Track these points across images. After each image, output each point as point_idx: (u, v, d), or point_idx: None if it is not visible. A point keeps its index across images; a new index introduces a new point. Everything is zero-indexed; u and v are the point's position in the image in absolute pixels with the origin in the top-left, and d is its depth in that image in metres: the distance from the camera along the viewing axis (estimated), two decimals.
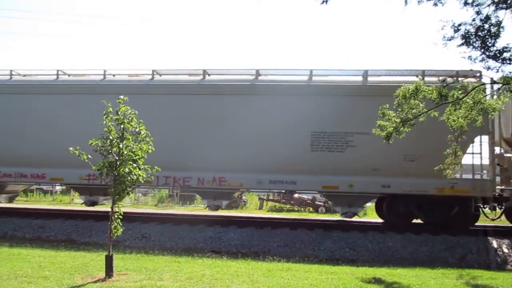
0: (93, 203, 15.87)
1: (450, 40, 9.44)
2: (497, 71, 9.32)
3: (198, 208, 25.77)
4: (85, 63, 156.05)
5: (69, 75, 16.33)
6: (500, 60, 9.09)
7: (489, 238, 13.32)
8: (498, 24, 9.15)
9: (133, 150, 8.10)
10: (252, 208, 27.37)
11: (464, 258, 11.92)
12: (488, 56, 9.12)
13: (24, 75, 16.61)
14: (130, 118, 8.18)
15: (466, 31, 9.19)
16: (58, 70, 15.87)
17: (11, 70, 16.22)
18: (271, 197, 28.12)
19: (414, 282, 8.38)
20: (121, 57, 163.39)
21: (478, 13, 9.24)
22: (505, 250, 12.41)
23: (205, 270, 8.80)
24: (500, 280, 8.81)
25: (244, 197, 28.60)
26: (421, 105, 10.04)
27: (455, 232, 13.72)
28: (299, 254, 11.90)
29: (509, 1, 9.12)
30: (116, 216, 8.24)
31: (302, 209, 26.37)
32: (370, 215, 23.83)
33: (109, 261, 8.09)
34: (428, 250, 12.40)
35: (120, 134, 8.12)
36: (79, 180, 15.00)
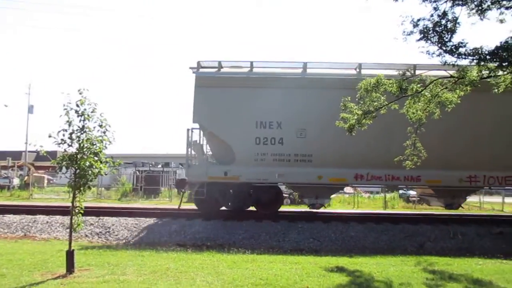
0: (451, 206, 15.41)
1: (409, 35, 9.65)
2: (453, 66, 9.66)
3: (163, 202, 25.50)
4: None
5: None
6: (456, 55, 9.40)
7: (446, 226, 13.90)
8: (455, 20, 9.45)
9: (94, 142, 7.90)
10: None
11: (423, 246, 12.39)
12: (445, 51, 9.40)
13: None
14: (91, 110, 7.98)
15: (424, 26, 9.43)
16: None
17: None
18: None
19: (375, 269, 8.64)
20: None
21: (435, 9, 9.51)
22: (461, 238, 12.98)
23: (170, 264, 8.74)
24: (455, 266, 9.21)
25: None
26: (382, 98, 10.29)
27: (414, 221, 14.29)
28: (264, 245, 12.02)
29: None
30: (77, 210, 8.05)
31: None
32: (334, 205, 24.34)
33: (70, 257, 7.90)
34: (388, 239, 12.81)
35: (81, 127, 7.91)
36: (459, 183, 14.56)
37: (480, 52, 9.20)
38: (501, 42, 9.20)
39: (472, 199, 29.50)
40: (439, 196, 15.61)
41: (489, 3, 9.46)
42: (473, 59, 9.34)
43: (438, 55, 9.49)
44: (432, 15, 9.47)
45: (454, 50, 9.25)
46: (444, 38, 9.34)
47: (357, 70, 14.79)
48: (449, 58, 9.41)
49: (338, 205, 24.43)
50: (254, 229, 13.22)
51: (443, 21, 9.40)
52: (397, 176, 14.53)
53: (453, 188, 14.83)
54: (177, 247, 11.52)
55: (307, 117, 14.34)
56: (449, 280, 7.84)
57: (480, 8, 9.43)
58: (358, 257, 10.43)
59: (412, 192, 28.39)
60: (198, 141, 15.61)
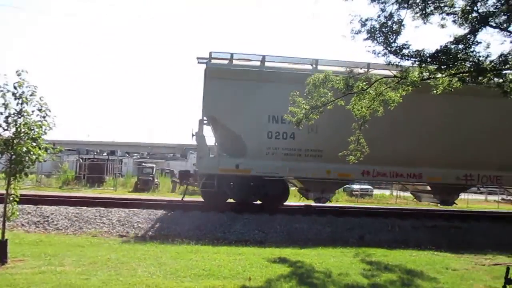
0: (446, 202, 16.47)
1: (357, 33, 9.92)
2: (397, 66, 10.06)
3: (108, 191, 24.80)
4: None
5: None
6: (400, 56, 9.80)
7: (385, 219, 14.54)
8: (400, 22, 9.83)
9: (32, 127, 7.52)
10: (165, 191, 26.96)
11: (363, 238, 12.88)
12: (390, 51, 9.76)
13: None
14: (29, 93, 7.57)
15: (371, 26, 9.73)
16: None
17: None
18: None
19: (316, 260, 8.90)
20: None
21: (383, 10, 9.83)
22: (398, 230, 13.63)
23: (111, 254, 8.53)
24: (391, 257, 9.67)
25: (156, 180, 28.06)
26: (329, 93, 10.54)
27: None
28: (209, 236, 12.01)
29: (410, 2, 9.86)
30: (11, 198, 7.65)
31: None
32: None
33: (2, 247, 7.51)
34: (331, 231, 13.20)
35: (18, 110, 7.49)
36: (456, 180, 15.40)
37: (421, 54, 9.63)
38: (441, 46, 9.68)
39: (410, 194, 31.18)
40: (435, 193, 16.49)
41: (432, 8, 9.91)
42: (415, 61, 9.77)
43: (383, 55, 9.84)
44: (379, 16, 9.78)
45: (398, 51, 9.63)
46: (390, 39, 9.69)
47: (365, 69, 15.00)
48: (393, 59, 9.78)
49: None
50: (200, 220, 13.18)
51: (389, 23, 9.75)
52: (400, 173, 15.32)
53: (450, 185, 15.77)
54: (119, 237, 11.27)
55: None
56: (384, 271, 8.23)
57: (423, 12, 9.86)
58: (301, 248, 10.68)
59: (355, 186, 29.47)
60: (199, 133, 15.35)
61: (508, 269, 3.74)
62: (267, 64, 15.00)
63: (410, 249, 11.12)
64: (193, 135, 15.29)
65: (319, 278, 7.46)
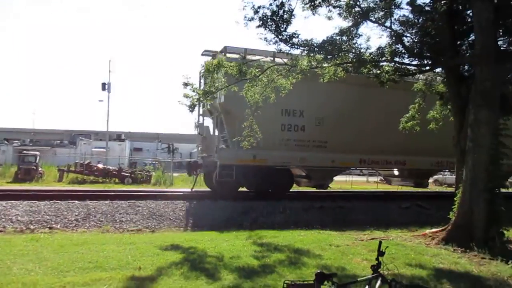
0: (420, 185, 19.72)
1: (250, 20, 10.09)
2: (287, 54, 10.43)
3: None
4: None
5: None
6: (290, 44, 10.18)
7: (278, 202, 15.15)
8: (290, 12, 10.20)
9: None
10: (51, 180, 24.99)
11: (256, 221, 13.25)
12: (281, 40, 10.11)
13: None
14: None
15: (263, 14, 9.96)
16: None
17: None
18: (72, 168, 26.12)
19: (209, 245, 8.93)
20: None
21: None
22: (289, 212, 14.30)
23: None
24: (281, 238, 10.09)
25: (40, 169, 25.89)
26: (222, 79, 10.59)
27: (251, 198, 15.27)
28: (99, 226, 11.42)
29: None
30: None
31: (107, 180, 25.31)
32: (176, 184, 24.45)
33: None
34: (226, 215, 13.35)
35: None
36: (431, 167, 18.50)
37: (310, 44, 10.12)
38: (327, 37, 10.28)
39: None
40: (411, 177, 19.23)
41: (320, 0, 10.43)
42: (304, 50, 10.22)
43: (275, 43, 10.16)
44: (271, 4, 10.04)
45: (288, 39, 10.00)
46: (281, 27, 10.01)
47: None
48: (284, 47, 10.14)
49: (180, 183, 24.57)
50: (88, 209, 12.44)
51: (281, 12, 10.05)
52: (390, 161, 17.73)
53: (424, 170, 18.86)
54: None
55: (325, 107, 15.75)
56: (274, 251, 8.56)
57: (312, 3, 10.35)
58: (194, 234, 10.65)
59: None
60: (203, 123, 16.14)
61: (380, 243, 4.16)
62: (277, 60, 14.67)
63: (299, 229, 11.71)
64: (196, 126, 16.19)
65: (211, 263, 7.51)
